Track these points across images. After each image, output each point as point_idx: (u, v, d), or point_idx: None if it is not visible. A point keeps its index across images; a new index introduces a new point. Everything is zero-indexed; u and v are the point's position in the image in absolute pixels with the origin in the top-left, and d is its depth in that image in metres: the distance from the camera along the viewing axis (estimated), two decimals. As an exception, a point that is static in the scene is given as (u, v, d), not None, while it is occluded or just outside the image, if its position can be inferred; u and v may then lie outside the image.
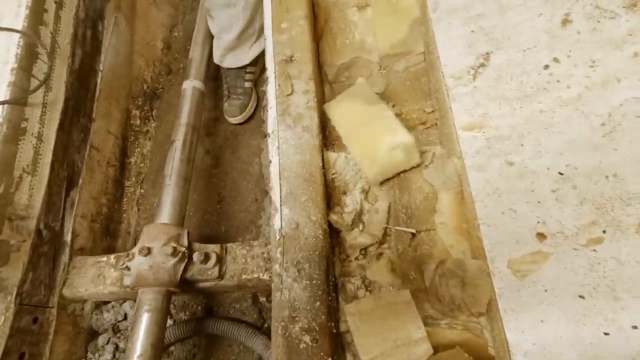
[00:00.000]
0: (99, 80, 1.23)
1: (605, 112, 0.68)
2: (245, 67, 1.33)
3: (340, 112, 0.91)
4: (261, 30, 1.28)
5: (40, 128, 0.97)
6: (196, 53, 1.30)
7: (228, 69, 1.34)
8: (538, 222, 0.64)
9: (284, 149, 0.83)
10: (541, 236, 0.64)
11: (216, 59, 1.32)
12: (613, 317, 0.56)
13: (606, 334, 0.55)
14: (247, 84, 1.36)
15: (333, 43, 1.07)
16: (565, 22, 0.76)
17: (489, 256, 0.66)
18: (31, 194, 0.93)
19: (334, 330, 0.72)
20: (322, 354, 0.66)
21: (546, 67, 0.74)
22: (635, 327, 0.55)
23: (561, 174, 0.66)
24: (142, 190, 1.35)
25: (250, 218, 1.24)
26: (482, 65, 0.80)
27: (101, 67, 1.24)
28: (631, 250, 0.59)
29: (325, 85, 1.06)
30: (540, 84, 0.74)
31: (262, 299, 1.10)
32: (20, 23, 0.98)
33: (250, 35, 1.27)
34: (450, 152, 0.82)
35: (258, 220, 1.23)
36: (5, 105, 0.90)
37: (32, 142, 0.95)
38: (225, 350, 1.08)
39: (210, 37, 1.33)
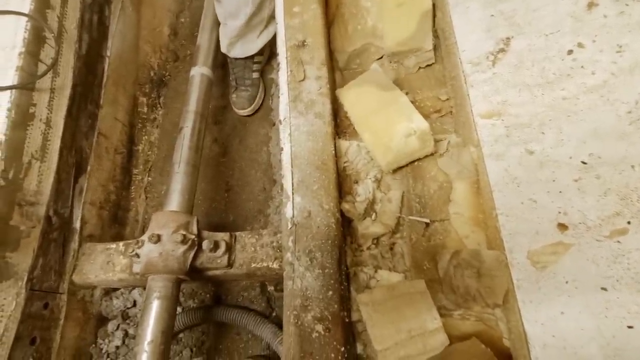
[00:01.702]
0: (106, 66, 1.21)
1: (632, 99, 0.65)
2: (252, 57, 1.30)
3: (354, 98, 0.89)
4: (269, 19, 1.24)
5: (48, 114, 0.96)
6: (204, 39, 1.28)
7: (236, 59, 1.31)
8: (559, 213, 0.63)
9: (295, 136, 0.81)
10: (562, 227, 0.62)
11: (223, 48, 1.29)
12: (637, 310, 0.54)
13: (630, 327, 0.54)
14: (255, 75, 1.34)
15: (344, 29, 1.04)
16: (591, 5, 0.73)
17: (507, 247, 0.64)
18: (40, 180, 0.93)
19: (346, 320, 0.71)
20: (334, 343, 0.65)
21: (570, 52, 0.72)
22: (660, 321, 0.53)
23: (584, 163, 0.64)
24: (149, 178, 1.34)
25: (259, 207, 1.23)
26: (501, 50, 0.77)
27: (108, 53, 1.22)
28: (657, 242, 0.57)
29: (336, 73, 1.04)
30: (564, 70, 0.71)
31: (271, 288, 1.10)
32: (27, 6, 0.96)
33: (258, 23, 1.24)
34: (467, 141, 0.80)
35: (266, 209, 1.22)
36: (14, 90, 0.89)
37: (40, 127, 0.94)
38: (233, 338, 1.08)
39: (218, 23, 1.30)
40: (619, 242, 0.59)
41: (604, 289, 0.57)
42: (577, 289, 0.58)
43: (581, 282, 0.58)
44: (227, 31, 1.25)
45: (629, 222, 0.59)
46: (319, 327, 0.66)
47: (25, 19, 0.95)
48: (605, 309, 0.56)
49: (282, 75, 0.86)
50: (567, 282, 0.59)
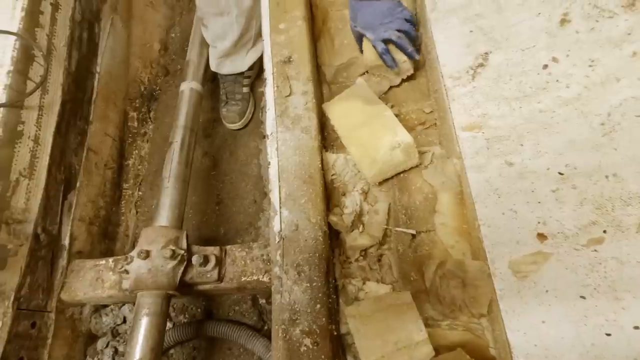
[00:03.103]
0: (95, 83, 1.22)
1: (605, 111, 0.68)
2: (242, 72, 1.32)
3: (340, 111, 0.90)
4: (257, 36, 1.26)
5: (37, 131, 0.97)
6: (193, 54, 1.30)
7: (226, 75, 1.33)
8: (538, 223, 0.64)
9: (282, 150, 0.82)
10: (542, 236, 0.63)
11: (213, 67, 1.31)
12: (615, 317, 0.56)
13: (608, 334, 0.55)
14: (245, 89, 1.36)
15: (331, 43, 1.06)
16: (564, 21, 0.76)
17: (489, 257, 0.65)
18: (28, 198, 0.92)
19: (335, 333, 0.72)
20: (322, 356, 0.66)
21: (545, 66, 0.74)
22: (637, 328, 0.55)
23: (561, 174, 0.66)
24: (140, 193, 1.34)
25: (249, 220, 1.24)
26: (481, 65, 0.79)
27: (98, 69, 1.23)
28: (632, 250, 0.59)
29: (324, 86, 1.06)
30: (540, 83, 0.73)
31: (262, 301, 1.10)
32: (16, 25, 0.97)
33: (247, 42, 1.26)
34: (450, 153, 0.82)
35: (257, 222, 1.23)
36: (1, 108, 0.89)
37: (28, 145, 0.94)
38: (225, 353, 1.08)
39: (207, 39, 1.32)
40: (595, 250, 0.60)
41: (582, 297, 0.58)
42: (556, 297, 0.59)
43: (561, 291, 0.60)
44: (216, 52, 1.26)
45: (604, 231, 0.61)
46: (307, 341, 0.67)
47: (14, 37, 0.96)
48: (584, 317, 0.57)
49: (269, 91, 0.88)
50: (547, 291, 0.60)
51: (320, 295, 0.71)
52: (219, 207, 1.28)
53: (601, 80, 0.69)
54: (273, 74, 0.89)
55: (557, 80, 0.73)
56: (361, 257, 0.82)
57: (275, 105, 0.86)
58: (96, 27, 1.26)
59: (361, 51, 0.96)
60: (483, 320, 0.70)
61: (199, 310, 1.12)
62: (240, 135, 1.38)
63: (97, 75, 1.23)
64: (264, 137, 1.38)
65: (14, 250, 0.88)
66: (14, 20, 0.98)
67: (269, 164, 0.82)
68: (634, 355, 0.53)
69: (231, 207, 1.27)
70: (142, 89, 1.47)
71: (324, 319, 0.69)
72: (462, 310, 0.70)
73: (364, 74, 0.99)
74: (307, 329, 0.68)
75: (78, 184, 1.10)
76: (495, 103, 0.75)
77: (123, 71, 1.39)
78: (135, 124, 1.41)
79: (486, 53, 0.80)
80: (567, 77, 0.72)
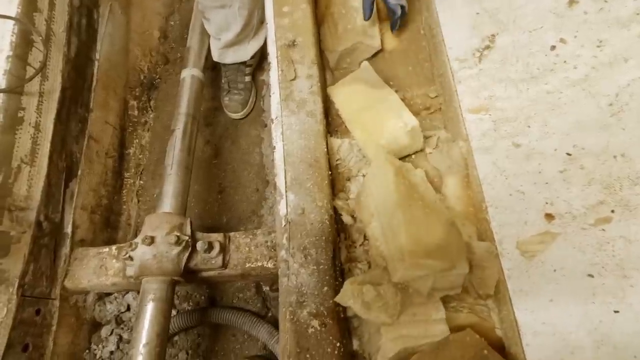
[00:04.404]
0: (95, 70, 1.20)
1: (613, 92, 0.67)
2: (245, 61, 1.31)
3: (344, 95, 0.90)
4: (259, 25, 1.25)
5: (37, 118, 0.95)
6: (194, 41, 1.28)
7: (228, 64, 1.32)
8: (546, 203, 0.64)
9: (287, 134, 0.82)
10: (549, 217, 0.63)
11: (215, 57, 1.29)
12: (623, 295, 0.56)
13: (616, 311, 0.55)
14: (247, 78, 1.35)
15: (334, 28, 1.05)
16: (572, 2, 0.75)
17: (497, 238, 0.65)
18: (30, 185, 0.92)
19: (342, 315, 0.72)
20: (330, 337, 0.66)
21: (553, 48, 0.74)
22: (644, 304, 0.55)
23: (569, 154, 0.66)
24: (141, 182, 1.33)
25: (252, 208, 1.23)
26: (487, 47, 0.79)
27: (97, 56, 1.22)
28: (640, 229, 0.59)
29: (327, 72, 1.05)
30: (547, 65, 0.73)
31: (266, 288, 1.10)
32: (14, 10, 0.96)
33: (249, 31, 1.25)
34: (456, 136, 0.82)
35: (260, 210, 1.22)
36: (2, 94, 0.88)
37: (29, 131, 0.93)
38: (229, 339, 1.08)
39: (208, 27, 1.30)
40: (603, 230, 0.60)
41: (590, 275, 0.59)
42: (564, 276, 0.60)
43: (568, 270, 0.60)
44: (219, 44, 1.25)
45: (612, 211, 0.61)
46: (315, 323, 0.67)
47: (12, 22, 0.94)
48: (592, 295, 0.57)
49: (273, 75, 0.87)
50: (555, 270, 0.60)
51: (327, 277, 0.71)
52: (221, 196, 1.27)
53: (609, 60, 0.69)
54: (277, 57, 0.88)
55: (565, 62, 0.72)
56: (367, 242, 0.82)
57: (279, 89, 0.85)
58: (95, 13, 1.24)
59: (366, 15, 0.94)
60: (489, 301, 0.70)
61: (202, 298, 1.12)
62: (241, 124, 1.37)
63: (96, 62, 1.21)
64: (265, 125, 1.38)
65: (17, 238, 0.87)
66: (12, 5, 0.96)
67: (274, 148, 0.81)
68: (642, 331, 0.54)
69: (234, 195, 1.26)
70: (142, 78, 1.46)
71: (331, 301, 0.69)
72: (468, 291, 0.70)
73: (371, 56, 0.98)
74: (314, 311, 0.68)
75: (79, 172, 1.09)
76: (502, 85, 0.75)
77: (122, 59, 1.37)
78: (136, 112, 1.40)
79: (493, 35, 0.79)
80: (575, 58, 0.72)
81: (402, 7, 0.89)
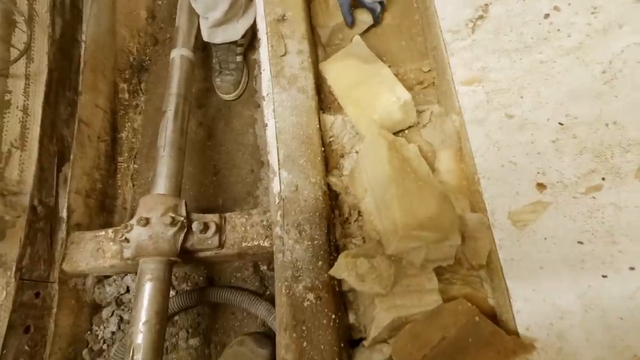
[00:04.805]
0: (82, 52, 1.18)
1: (606, 59, 0.67)
2: (235, 41, 1.28)
3: (336, 71, 0.88)
4: (248, 3, 1.22)
5: (25, 101, 0.94)
6: (182, 20, 1.24)
7: (218, 44, 1.29)
8: (538, 173, 0.65)
9: (279, 111, 0.81)
10: (541, 186, 0.64)
11: (205, 37, 1.26)
12: (611, 260, 0.57)
13: (604, 276, 0.57)
14: (239, 58, 1.32)
15: (325, 4, 1.02)
16: (567, -33, 0.74)
17: (489, 209, 0.66)
18: (22, 169, 0.91)
19: (337, 289, 0.73)
20: (326, 310, 0.67)
21: (546, 16, 0.72)
22: (632, 269, 0.56)
23: (561, 124, 0.66)
24: (135, 166, 1.32)
25: (247, 189, 1.23)
26: (480, 17, 0.77)
27: (84, 38, 1.19)
28: (630, 196, 0.60)
29: (319, 48, 1.03)
30: (541, 33, 0.72)
31: (263, 267, 1.11)
32: (-8, -12, 0.92)
33: (238, 10, 1.22)
34: (448, 109, 0.81)
35: (255, 191, 1.23)
36: (-14, 77, 0.86)
37: (17, 115, 0.92)
38: (228, 317, 1.10)
39: (196, 5, 1.27)
40: (594, 197, 0.61)
41: (580, 242, 0.59)
42: (555, 244, 0.60)
43: (559, 238, 0.61)
44: (207, 22, 1.22)
45: (603, 179, 0.61)
46: (310, 296, 0.68)
47: (-8, 2, 0.91)
48: (582, 261, 0.58)
49: (263, 51, 0.85)
50: (545, 239, 0.61)
51: (321, 252, 0.72)
52: (216, 178, 1.27)
53: (603, 27, 0.68)
54: (267, 33, 0.86)
55: (559, 30, 0.71)
56: (360, 217, 0.83)
57: (270, 65, 0.84)
58: (78, -8, 1.20)
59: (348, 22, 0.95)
60: (482, 271, 0.71)
61: (201, 278, 1.13)
62: (234, 105, 1.35)
63: (83, 44, 1.18)
64: (259, 106, 1.36)
65: (12, 222, 0.87)
66: (-9, -17, 0.93)
67: (266, 125, 0.81)
68: (628, 294, 0.55)
69: (228, 177, 1.26)
70: (131, 60, 1.43)
71: (326, 275, 0.70)
72: (461, 262, 0.71)
73: (363, 32, 0.97)
74: (309, 285, 0.69)
75: (72, 157, 1.08)
76: (496, 56, 0.74)
77: (110, 40, 1.34)
78: (126, 95, 1.37)
79: (486, 4, 0.78)
80: (569, 26, 0.70)
81: (381, 2, 0.91)
